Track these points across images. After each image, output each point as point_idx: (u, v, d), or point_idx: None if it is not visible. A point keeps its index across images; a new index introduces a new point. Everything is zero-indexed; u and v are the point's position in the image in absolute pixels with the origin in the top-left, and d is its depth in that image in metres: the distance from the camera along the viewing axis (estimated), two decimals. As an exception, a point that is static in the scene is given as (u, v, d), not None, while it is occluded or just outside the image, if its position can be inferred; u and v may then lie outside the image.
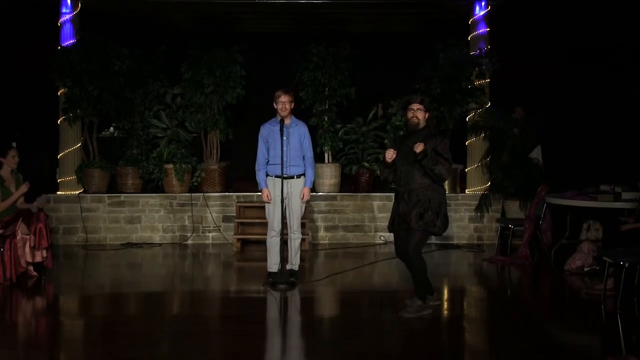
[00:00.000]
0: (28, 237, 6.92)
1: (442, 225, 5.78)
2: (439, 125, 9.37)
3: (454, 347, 5.21)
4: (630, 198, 7.16)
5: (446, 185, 9.45)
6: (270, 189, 6.73)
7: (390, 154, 5.76)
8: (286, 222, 6.79)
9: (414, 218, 5.69)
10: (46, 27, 9.43)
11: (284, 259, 6.78)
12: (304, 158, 6.80)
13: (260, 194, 6.88)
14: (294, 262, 6.94)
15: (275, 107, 6.68)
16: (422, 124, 5.89)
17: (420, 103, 5.87)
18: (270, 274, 6.87)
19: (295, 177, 6.75)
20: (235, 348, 5.06)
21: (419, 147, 5.64)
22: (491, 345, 5.30)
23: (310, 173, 6.83)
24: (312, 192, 7.22)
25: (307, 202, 6.98)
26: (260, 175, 6.77)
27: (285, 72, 9.68)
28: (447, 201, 9.17)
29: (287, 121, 6.67)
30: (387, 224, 6.09)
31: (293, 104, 6.73)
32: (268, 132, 6.72)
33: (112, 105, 9.42)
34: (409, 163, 5.77)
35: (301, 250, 7.07)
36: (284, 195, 6.63)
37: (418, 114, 5.85)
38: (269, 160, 6.76)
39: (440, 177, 5.73)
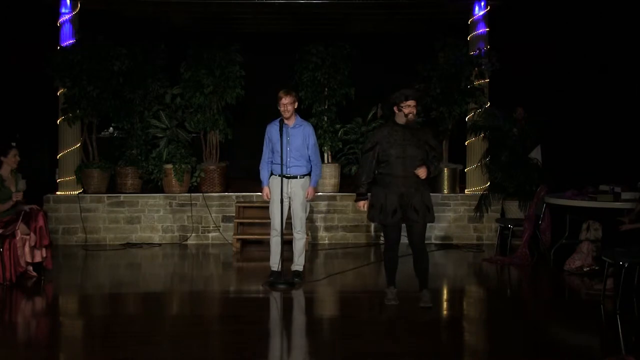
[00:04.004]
0: (28, 237, 6.92)
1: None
2: (437, 125, 9.38)
3: (454, 347, 5.21)
4: (629, 198, 7.17)
5: (445, 184, 9.49)
6: (273, 187, 6.73)
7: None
8: (289, 222, 6.81)
9: (425, 213, 5.95)
10: (46, 27, 9.42)
11: (285, 258, 6.79)
12: (309, 158, 6.80)
13: (259, 193, 6.89)
14: (298, 263, 6.95)
15: (279, 108, 6.68)
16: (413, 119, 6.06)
17: (415, 99, 6.00)
18: (272, 272, 6.89)
19: (298, 177, 6.75)
20: (235, 348, 5.06)
21: (422, 173, 5.87)
22: (491, 345, 5.30)
23: (315, 173, 6.82)
24: (315, 192, 7.19)
25: (308, 202, 6.98)
26: (263, 174, 6.80)
27: (285, 73, 9.69)
28: (447, 201, 9.31)
29: (289, 122, 6.68)
30: (380, 214, 6.01)
31: (296, 104, 6.73)
32: (271, 131, 6.75)
33: (111, 106, 9.42)
34: (411, 160, 5.89)
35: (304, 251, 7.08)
36: (285, 195, 6.64)
37: (414, 110, 5.98)
38: (272, 160, 6.77)
39: (437, 173, 5.94)
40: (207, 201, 9.34)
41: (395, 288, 6.22)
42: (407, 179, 5.91)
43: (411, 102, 5.94)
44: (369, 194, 6.11)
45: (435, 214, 6.45)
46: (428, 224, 6.13)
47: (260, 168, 6.84)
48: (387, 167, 5.96)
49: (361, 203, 6.10)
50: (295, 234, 6.85)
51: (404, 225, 6.09)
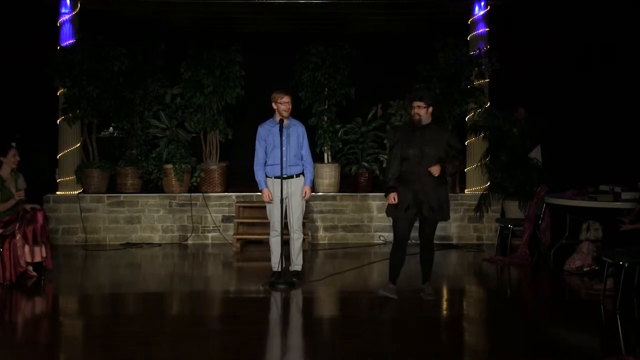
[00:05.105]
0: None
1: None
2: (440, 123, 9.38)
3: (454, 347, 5.21)
4: (629, 198, 7.17)
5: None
6: (270, 189, 6.73)
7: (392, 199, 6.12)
8: (287, 222, 6.81)
9: (439, 211, 6.10)
10: (46, 27, 9.42)
11: (285, 258, 6.79)
12: (302, 157, 6.81)
13: (259, 193, 6.88)
14: (297, 263, 6.95)
15: (275, 108, 6.67)
16: (425, 119, 6.11)
17: (420, 100, 6.05)
18: (274, 273, 6.90)
19: (294, 176, 6.76)
20: (235, 348, 5.06)
21: (436, 171, 5.95)
22: (491, 345, 5.30)
23: (309, 172, 6.84)
24: (311, 191, 7.23)
25: (307, 201, 6.99)
26: (259, 176, 6.76)
27: (285, 73, 9.69)
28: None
29: (286, 121, 6.68)
30: (396, 209, 6.13)
31: None
32: (267, 132, 6.72)
33: (111, 106, 9.42)
34: (427, 158, 5.99)
35: (302, 251, 7.08)
36: (284, 195, 6.65)
37: (419, 110, 6.05)
38: (267, 161, 6.75)
39: (456, 173, 6.04)
40: (207, 201, 9.34)
41: (394, 285, 6.27)
42: (424, 177, 6.02)
43: (416, 103, 6.01)
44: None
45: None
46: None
47: (255, 170, 6.78)
48: (405, 165, 6.08)
49: (391, 195, 6.11)
50: (293, 234, 6.86)
51: (415, 225, 6.25)
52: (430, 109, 6.07)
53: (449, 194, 9.22)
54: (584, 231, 7.57)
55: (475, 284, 7.48)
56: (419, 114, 6.04)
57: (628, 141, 8.90)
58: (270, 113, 6.84)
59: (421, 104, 6.03)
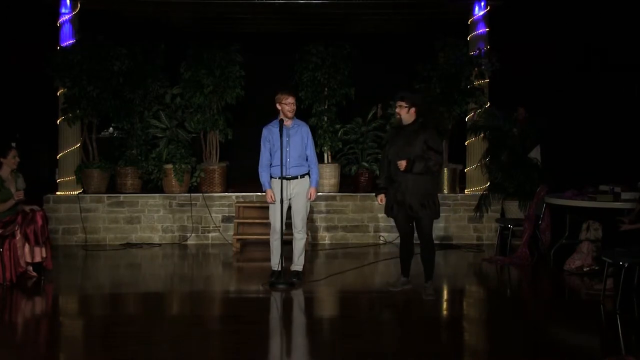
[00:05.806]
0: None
1: (439, 209, 6.30)
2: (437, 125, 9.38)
3: (454, 347, 5.21)
4: (629, 198, 7.17)
5: (445, 184, 9.50)
6: (275, 190, 6.71)
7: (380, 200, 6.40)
8: (288, 222, 6.80)
9: (418, 209, 6.11)
10: (46, 27, 9.43)
11: (285, 258, 6.79)
12: (307, 158, 6.80)
13: (261, 194, 6.89)
14: (298, 263, 6.95)
15: (280, 108, 6.65)
16: (407, 119, 6.24)
17: (401, 100, 6.21)
18: (273, 272, 6.90)
19: (299, 177, 6.74)
20: (235, 348, 5.06)
21: (401, 165, 6.04)
22: (491, 345, 5.30)
23: (315, 173, 6.83)
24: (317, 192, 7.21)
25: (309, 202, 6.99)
26: (263, 177, 6.76)
27: (285, 73, 9.69)
28: (447, 201, 9.31)
29: (289, 123, 6.66)
30: (385, 210, 6.45)
31: None
32: (270, 133, 6.71)
33: (111, 106, 9.42)
34: (402, 157, 6.09)
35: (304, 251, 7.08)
36: (287, 196, 6.64)
37: (401, 110, 6.24)
38: (272, 162, 6.74)
39: (432, 174, 6.13)
40: (207, 201, 9.34)
41: (405, 278, 6.52)
42: (402, 177, 6.13)
43: (398, 103, 6.26)
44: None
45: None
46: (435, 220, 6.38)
47: (259, 171, 6.78)
48: (389, 166, 6.24)
49: (379, 197, 6.41)
50: (296, 234, 6.85)
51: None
52: (413, 109, 6.18)
53: (449, 194, 9.36)
54: (583, 231, 7.57)
55: (475, 284, 7.48)
56: (399, 114, 6.20)
57: (628, 141, 8.91)
58: (271, 113, 6.83)
59: (403, 103, 6.19)
